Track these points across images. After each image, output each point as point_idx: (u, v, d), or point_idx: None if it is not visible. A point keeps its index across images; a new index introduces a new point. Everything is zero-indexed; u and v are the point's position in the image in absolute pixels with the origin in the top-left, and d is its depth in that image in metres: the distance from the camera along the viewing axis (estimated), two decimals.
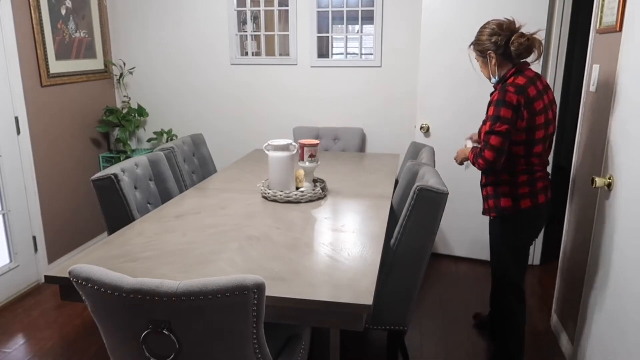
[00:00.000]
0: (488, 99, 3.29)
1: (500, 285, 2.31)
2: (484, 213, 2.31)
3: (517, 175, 2.14)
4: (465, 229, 3.60)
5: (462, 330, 2.76)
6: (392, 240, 2.02)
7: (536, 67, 3.17)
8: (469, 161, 2.23)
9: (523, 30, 2.13)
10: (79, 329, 2.76)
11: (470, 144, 2.34)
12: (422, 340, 2.66)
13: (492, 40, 2.10)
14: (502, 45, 2.08)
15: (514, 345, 2.31)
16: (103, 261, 1.72)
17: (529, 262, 3.59)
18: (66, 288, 1.64)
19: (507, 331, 2.32)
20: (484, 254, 3.60)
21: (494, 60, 2.12)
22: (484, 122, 2.12)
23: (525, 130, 2.04)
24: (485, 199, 2.27)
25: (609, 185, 1.90)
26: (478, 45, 2.16)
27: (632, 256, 1.69)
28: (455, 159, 2.39)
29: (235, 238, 1.92)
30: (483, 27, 2.17)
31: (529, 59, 2.12)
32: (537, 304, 3.05)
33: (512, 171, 2.14)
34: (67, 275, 1.59)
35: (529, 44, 2.06)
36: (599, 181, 1.92)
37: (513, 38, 2.07)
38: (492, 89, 2.38)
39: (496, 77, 2.15)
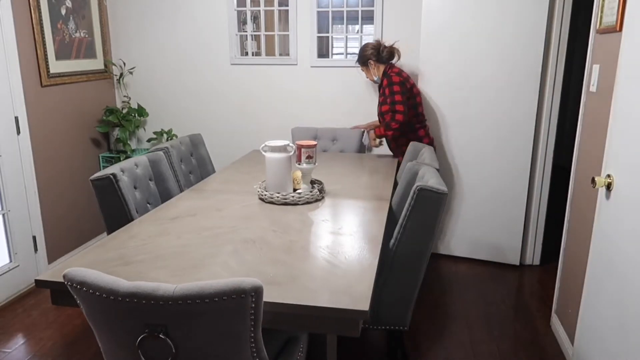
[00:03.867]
0: (487, 98, 3.29)
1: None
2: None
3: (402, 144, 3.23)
4: (465, 229, 3.59)
5: (462, 330, 2.75)
6: (392, 241, 2.02)
7: (536, 67, 3.17)
8: (381, 138, 3.22)
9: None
10: (79, 329, 2.77)
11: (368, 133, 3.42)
12: (422, 340, 2.66)
13: (369, 52, 3.21)
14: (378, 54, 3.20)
15: None
16: (96, 264, 1.70)
17: (530, 263, 3.59)
18: (57, 292, 1.62)
19: None
20: (484, 254, 3.60)
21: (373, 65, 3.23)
22: (381, 104, 3.18)
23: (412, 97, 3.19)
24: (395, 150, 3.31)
25: (609, 185, 1.90)
26: (360, 59, 3.27)
27: (633, 256, 1.68)
28: (372, 142, 3.29)
29: (231, 241, 1.92)
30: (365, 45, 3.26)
31: (393, 61, 3.25)
32: (537, 304, 3.04)
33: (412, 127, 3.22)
34: (57, 280, 1.58)
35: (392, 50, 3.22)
36: (599, 181, 1.91)
37: (381, 48, 3.20)
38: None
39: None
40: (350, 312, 1.42)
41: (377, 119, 3.50)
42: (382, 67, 3.22)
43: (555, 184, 3.85)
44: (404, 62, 3.69)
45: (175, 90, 4.09)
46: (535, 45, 3.14)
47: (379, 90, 3.25)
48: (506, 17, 3.15)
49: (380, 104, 3.19)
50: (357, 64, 3.31)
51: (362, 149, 3.82)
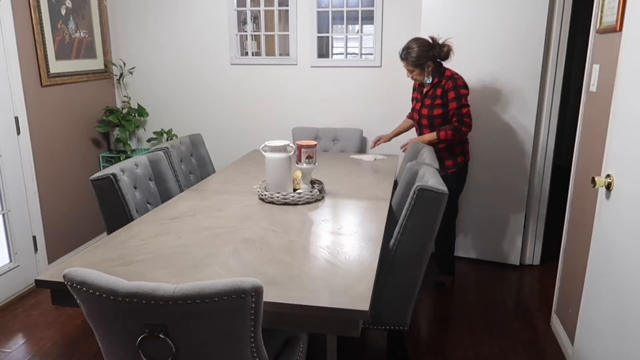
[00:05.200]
0: (487, 98, 3.29)
1: (444, 232, 3.11)
2: (441, 171, 2.91)
3: (456, 146, 3.01)
4: (466, 229, 3.59)
5: (462, 330, 2.75)
6: (392, 241, 2.02)
7: (536, 67, 3.17)
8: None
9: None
10: (79, 329, 2.77)
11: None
12: (422, 340, 2.66)
13: (430, 54, 2.85)
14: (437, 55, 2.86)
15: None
16: (96, 264, 1.71)
17: (530, 263, 3.59)
18: (57, 292, 1.62)
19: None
20: (484, 254, 3.60)
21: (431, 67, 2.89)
22: (433, 107, 2.92)
23: None
24: (443, 159, 3.02)
25: (609, 185, 1.90)
26: (414, 60, 2.87)
27: (633, 256, 1.68)
28: (413, 144, 2.95)
29: (231, 241, 1.92)
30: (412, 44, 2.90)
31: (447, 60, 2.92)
32: (537, 304, 3.04)
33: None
34: (57, 280, 1.58)
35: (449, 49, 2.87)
36: (599, 181, 1.91)
37: (439, 47, 2.86)
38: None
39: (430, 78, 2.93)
40: (350, 312, 1.42)
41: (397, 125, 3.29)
42: (435, 68, 2.91)
43: (555, 184, 3.85)
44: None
45: (175, 90, 4.09)
46: (535, 45, 3.14)
47: (428, 92, 2.95)
48: (506, 17, 3.15)
49: (432, 106, 2.92)
50: (406, 61, 2.89)
51: (362, 149, 3.82)
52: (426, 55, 2.83)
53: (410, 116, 3.21)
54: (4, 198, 3.02)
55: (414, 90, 3.16)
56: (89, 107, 3.81)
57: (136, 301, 1.18)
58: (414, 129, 3.23)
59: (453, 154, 3.01)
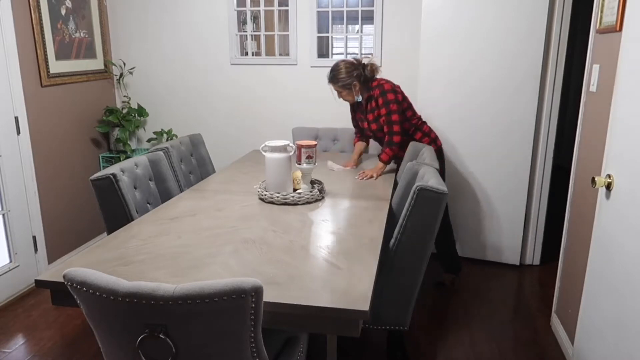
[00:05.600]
0: (488, 98, 3.29)
1: (444, 218, 3.10)
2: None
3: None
4: (465, 229, 3.59)
5: (462, 330, 2.75)
6: (392, 241, 2.02)
7: (536, 67, 3.17)
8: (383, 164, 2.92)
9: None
10: (79, 329, 2.77)
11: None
12: (422, 340, 2.66)
13: (354, 74, 2.91)
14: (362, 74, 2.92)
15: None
16: (96, 264, 1.70)
17: (530, 263, 3.59)
18: (57, 292, 1.62)
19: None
20: (484, 254, 3.60)
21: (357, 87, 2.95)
22: (379, 118, 2.94)
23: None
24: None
25: (609, 185, 1.90)
26: (340, 82, 2.92)
27: (633, 256, 1.68)
28: (367, 176, 2.87)
29: (231, 241, 1.92)
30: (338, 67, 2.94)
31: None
32: (537, 304, 3.04)
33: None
34: (57, 280, 1.58)
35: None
36: (599, 181, 1.91)
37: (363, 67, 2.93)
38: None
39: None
40: (350, 312, 1.42)
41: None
42: (362, 86, 2.96)
43: (555, 184, 3.85)
44: (404, 64, 3.69)
45: (175, 90, 4.09)
46: (535, 45, 3.14)
47: (365, 107, 3.01)
48: (506, 17, 3.15)
49: (377, 119, 2.97)
50: (333, 83, 2.95)
51: None
52: (351, 76, 2.90)
53: (360, 138, 3.23)
54: (4, 198, 3.02)
55: (353, 111, 3.19)
56: (89, 107, 3.81)
57: (136, 301, 1.18)
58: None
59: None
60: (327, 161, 3.20)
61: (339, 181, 2.81)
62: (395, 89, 2.93)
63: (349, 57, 3.04)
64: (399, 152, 2.99)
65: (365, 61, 2.95)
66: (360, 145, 3.24)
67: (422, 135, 3.05)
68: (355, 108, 3.16)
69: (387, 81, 2.95)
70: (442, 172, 3.08)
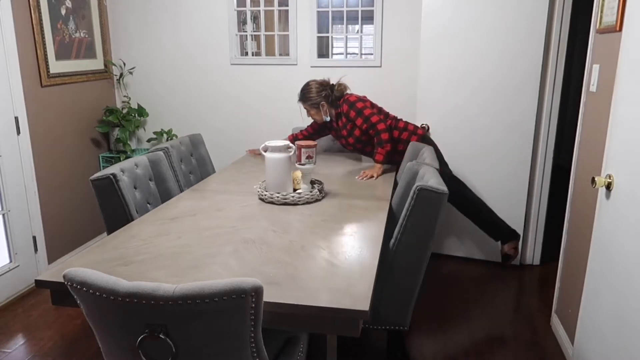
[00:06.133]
0: (487, 98, 3.29)
1: (466, 203, 3.27)
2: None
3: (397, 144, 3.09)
4: (466, 229, 3.59)
5: (462, 330, 2.75)
6: (392, 241, 2.02)
7: (536, 67, 3.17)
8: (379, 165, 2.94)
9: None
10: (79, 329, 2.77)
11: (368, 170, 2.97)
12: (422, 340, 2.66)
13: (323, 94, 3.03)
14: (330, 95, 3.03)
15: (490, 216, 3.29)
16: (96, 264, 1.70)
17: (530, 262, 3.59)
18: (57, 293, 1.62)
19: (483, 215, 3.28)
20: (484, 254, 3.60)
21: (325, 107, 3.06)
22: (352, 131, 3.02)
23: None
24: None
25: (609, 185, 1.90)
26: (309, 101, 3.05)
27: (633, 256, 1.68)
28: (368, 177, 2.88)
29: (231, 241, 1.92)
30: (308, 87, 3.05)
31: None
32: (537, 304, 3.04)
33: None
34: (57, 280, 1.58)
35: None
36: (599, 181, 1.91)
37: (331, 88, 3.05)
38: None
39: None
40: (350, 312, 1.42)
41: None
42: (329, 106, 3.07)
43: (555, 183, 3.85)
44: (404, 64, 3.69)
45: (175, 90, 4.09)
46: (535, 45, 3.14)
47: (336, 124, 3.11)
48: (506, 17, 3.15)
49: (350, 133, 3.04)
50: (303, 102, 3.07)
51: None
52: (320, 96, 3.01)
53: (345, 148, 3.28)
54: (4, 198, 3.02)
55: (327, 128, 3.30)
56: (89, 107, 3.81)
57: (136, 301, 1.18)
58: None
59: (396, 150, 3.11)
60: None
61: (339, 181, 2.81)
62: (362, 99, 3.02)
63: (318, 79, 3.12)
64: (393, 155, 3.08)
65: (333, 82, 3.08)
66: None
67: (399, 133, 3.10)
68: (329, 127, 3.25)
69: (351, 94, 3.05)
70: (438, 156, 3.11)
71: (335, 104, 3.07)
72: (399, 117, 3.24)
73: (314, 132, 3.39)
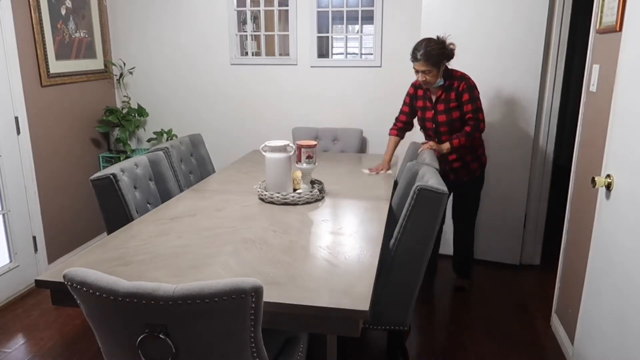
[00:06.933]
0: (487, 98, 3.28)
1: (470, 230, 3.15)
2: (457, 181, 2.99)
3: (477, 147, 2.96)
4: None
5: (462, 330, 2.75)
6: (392, 241, 2.02)
7: (536, 67, 3.17)
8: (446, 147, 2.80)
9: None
10: (79, 329, 2.77)
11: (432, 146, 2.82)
12: (422, 340, 2.66)
13: (445, 52, 2.72)
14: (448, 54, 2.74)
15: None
16: (96, 264, 1.71)
17: (530, 262, 3.59)
18: (57, 293, 1.62)
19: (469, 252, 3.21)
20: (484, 254, 3.60)
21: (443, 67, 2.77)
22: (451, 111, 2.81)
23: None
24: (459, 170, 2.97)
25: (609, 185, 1.90)
26: (433, 59, 2.70)
27: (633, 256, 1.68)
28: (429, 146, 2.78)
29: (231, 241, 1.92)
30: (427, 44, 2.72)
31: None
32: (537, 304, 3.04)
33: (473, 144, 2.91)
34: (57, 280, 1.58)
35: (453, 47, 2.75)
36: (599, 181, 1.91)
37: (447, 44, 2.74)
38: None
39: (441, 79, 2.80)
40: (350, 312, 1.42)
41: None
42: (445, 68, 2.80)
43: (555, 184, 3.85)
44: (404, 64, 3.69)
45: (175, 90, 4.10)
46: (535, 45, 3.14)
47: (440, 97, 2.82)
48: (506, 17, 3.15)
49: (448, 111, 2.81)
50: (426, 61, 2.68)
51: (362, 149, 3.82)
52: (443, 54, 2.70)
53: (398, 130, 3.07)
54: (4, 198, 3.02)
55: (414, 98, 2.98)
56: (89, 107, 3.81)
57: (136, 301, 1.18)
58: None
59: (476, 155, 2.95)
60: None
61: (339, 181, 2.81)
62: (477, 87, 2.82)
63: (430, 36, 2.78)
64: (463, 154, 2.90)
65: (448, 40, 2.74)
66: (395, 140, 3.08)
67: (480, 149, 2.98)
68: (416, 96, 2.96)
69: (470, 76, 2.82)
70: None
71: (447, 70, 2.79)
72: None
73: (409, 111, 3.03)
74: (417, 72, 2.78)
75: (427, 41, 2.72)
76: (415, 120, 3.09)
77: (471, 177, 2.99)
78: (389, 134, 3.12)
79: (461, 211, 3.11)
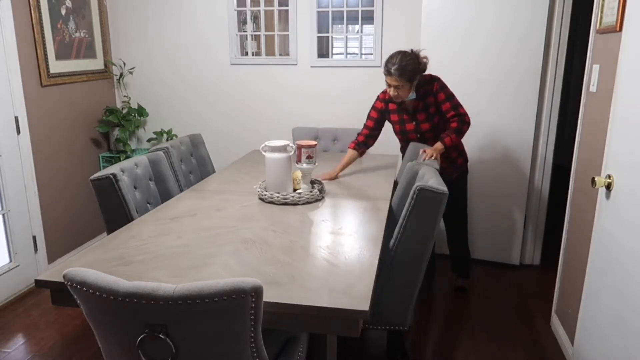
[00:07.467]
0: (487, 98, 3.29)
1: (463, 227, 3.15)
2: (447, 181, 2.84)
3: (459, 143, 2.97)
4: None
5: (462, 330, 2.75)
6: (392, 241, 2.02)
7: (536, 67, 3.17)
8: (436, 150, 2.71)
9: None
10: (79, 329, 2.77)
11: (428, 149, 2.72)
12: (422, 340, 2.66)
13: (418, 67, 2.67)
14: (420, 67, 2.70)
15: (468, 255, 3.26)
16: (96, 264, 1.71)
17: (530, 262, 3.59)
18: (57, 292, 1.62)
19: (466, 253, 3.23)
20: (484, 254, 3.60)
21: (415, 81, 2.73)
22: (432, 117, 2.81)
23: None
24: (447, 169, 2.95)
25: (609, 185, 1.90)
26: (407, 74, 2.63)
27: (633, 256, 1.68)
28: (429, 156, 2.66)
29: (231, 241, 1.92)
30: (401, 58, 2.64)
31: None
32: (537, 304, 3.04)
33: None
34: (57, 280, 1.58)
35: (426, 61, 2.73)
36: (599, 181, 1.91)
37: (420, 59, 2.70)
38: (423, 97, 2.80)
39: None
40: (350, 312, 1.42)
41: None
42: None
43: (555, 184, 3.85)
44: None
45: (175, 90, 4.10)
46: (535, 45, 3.14)
47: (418, 106, 2.80)
48: (506, 17, 3.15)
49: (429, 118, 2.81)
50: (400, 77, 2.61)
51: None
52: (417, 69, 2.65)
53: (357, 145, 2.96)
54: (4, 198, 3.02)
55: (385, 113, 2.92)
56: (89, 107, 3.81)
57: (136, 301, 1.18)
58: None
59: (459, 150, 2.99)
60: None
61: (339, 181, 2.81)
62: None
63: (402, 49, 2.72)
64: (458, 143, 2.92)
65: (421, 54, 2.70)
66: (352, 154, 2.96)
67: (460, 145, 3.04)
68: (388, 111, 2.92)
69: (434, 75, 2.81)
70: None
71: (420, 81, 2.74)
72: None
73: (374, 126, 2.96)
74: (388, 85, 2.70)
75: (402, 55, 2.64)
76: (388, 132, 3.07)
77: (460, 172, 3.02)
78: (348, 147, 3.01)
79: (452, 208, 3.07)
